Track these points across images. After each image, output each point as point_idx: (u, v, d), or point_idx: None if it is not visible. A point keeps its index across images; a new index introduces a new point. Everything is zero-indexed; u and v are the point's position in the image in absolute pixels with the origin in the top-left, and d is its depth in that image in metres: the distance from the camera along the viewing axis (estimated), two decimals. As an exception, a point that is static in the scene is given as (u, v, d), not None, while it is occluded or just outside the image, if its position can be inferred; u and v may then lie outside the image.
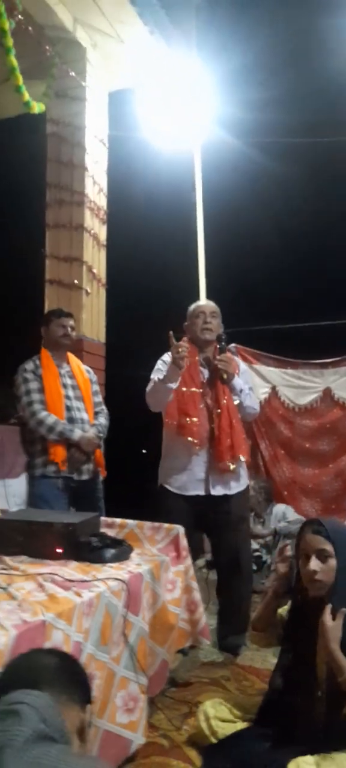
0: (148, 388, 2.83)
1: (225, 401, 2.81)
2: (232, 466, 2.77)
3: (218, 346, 2.86)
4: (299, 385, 4.69)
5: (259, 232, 9.29)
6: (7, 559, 1.99)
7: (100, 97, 4.39)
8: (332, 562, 1.75)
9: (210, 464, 2.78)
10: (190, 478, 2.78)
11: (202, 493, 2.77)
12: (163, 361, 2.89)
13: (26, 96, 3.49)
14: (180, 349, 2.65)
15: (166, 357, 2.87)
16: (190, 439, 2.73)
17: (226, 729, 1.84)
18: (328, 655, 1.67)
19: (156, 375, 2.84)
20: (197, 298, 4.79)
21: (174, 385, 2.75)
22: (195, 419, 2.76)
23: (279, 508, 4.22)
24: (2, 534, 2.11)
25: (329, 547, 1.75)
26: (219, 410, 2.79)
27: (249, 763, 1.74)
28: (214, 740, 1.83)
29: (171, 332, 2.72)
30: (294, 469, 4.54)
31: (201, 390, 2.82)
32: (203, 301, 3.05)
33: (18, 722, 0.83)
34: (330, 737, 1.66)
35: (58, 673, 0.98)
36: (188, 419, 2.75)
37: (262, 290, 9.50)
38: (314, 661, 1.75)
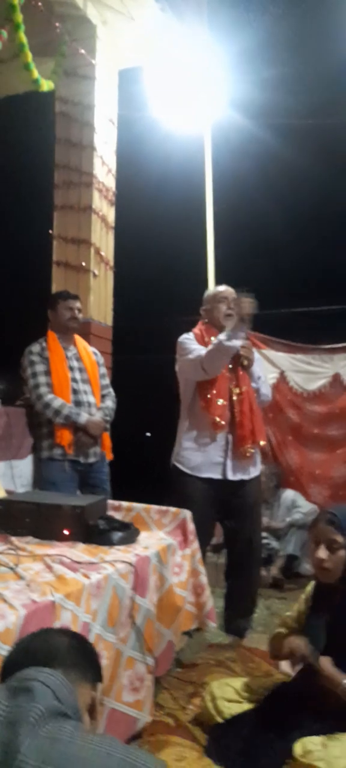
0: (202, 352, 2.75)
1: (245, 387, 2.82)
2: (251, 451, 2.78)
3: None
4: (308, 371, 4.65)
5: (268, 215, 9.20)
6: (14, 539, 2.00)
7: (110, 76, 4.32)
8: (342, 553, 1.76)
9: (228, 449, 2.77)
10: (205, 461, 2.76)
11: (218, 476, 2.76)
12: (189, 338, 2.87)
13: (35, 73, 3.45)
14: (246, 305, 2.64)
15: (189, 335, 2.88)
16: (217, 419, 2.71)
17: (232, 709, 1.85)
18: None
19: (196, 346, 2.80)
20: (205, 281, 4.78)
21: (240, 344, 2.72)
22: (224, 402, 2.75)
23: (288, 495, 4.21)
24: (10, 515, 2.13)
25: (339, 539, 1.77)
26: (241, 395, 2.79)
27: (255, 743, 1.76)
28: (220, 720, 1.85)
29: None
30: (302, 454, 4.52)
31: (226, 373, 2.81)
32: (222, 286, 3.01)
33: (31, 698, 0.84)
34: (337, 721, 1.67)
35: (70, 652, 0.99)
36: (218, 400, 2.74)
37: (271, 274, 9.42)
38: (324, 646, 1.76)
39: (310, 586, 1.98)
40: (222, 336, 2.70)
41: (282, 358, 4.67)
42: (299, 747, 1.61)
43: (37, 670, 0.90)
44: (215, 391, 2.74)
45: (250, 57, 5.11)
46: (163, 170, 7.15)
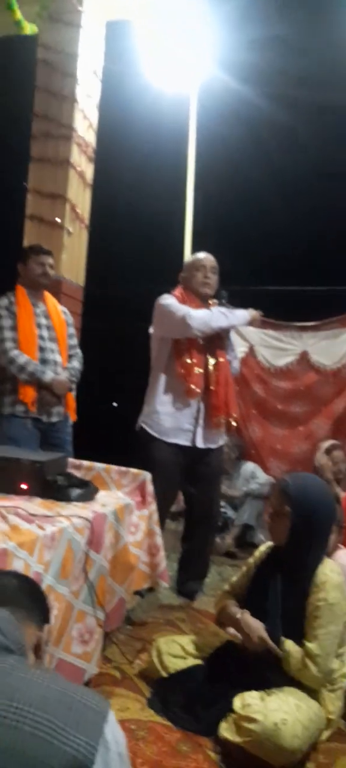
0: (188, 310, 2.75)
1: (222, 358, 2.84)
2: (223, 422, 2.82)
3: (218, 303, 2.87)
4: (277, 347, 4.72)
5: (251, 185, 9.10)
6: (-30, 490, 2.01)
7: (97, 26, 4.19)
8: (286, 521, 1.84)
9: (199, 417, 2.80)
10: (175, 426, 2.79)
11: (187, 443, 2.79)
12: (172, 297, 2.86)
13: (18, 14, 3.34)
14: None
15: (170, 296, 2.87)
16: (192, 386, 2.73)
17: (177, 665, 1.93)
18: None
19: (179, 304, 2.82)
20: (182, 249, 4.75)
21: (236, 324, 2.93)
22: (200, 370, 2.77)
23: (248, 467, 4.31)
24: (-33, 466, 2.12)
25: (286, 508, 1.85)
26: (217, 366, 2.81)
27: (197, 698, 1.85)
28: (164, 674, 1.93)
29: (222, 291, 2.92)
30: (265, 429, 4.62)
31: (203, 342, 2.82)
32: (203, 254, 2.97)
33: None
34: (276, 677, 1.77)
35: (17, 592, 1.02)
36: (196, 369, 2.75)
37: (249, 248, 9.41)
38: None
39: (263, 547, 2.07)
40: (231, 312, 2.82)
41: (253, 332, 4.72)
42: (238, 701, 1.70)
43: None
44: (194, 360, 2.75)
45: (241, 15, 4.98)
46: (147, 129, 6.99)
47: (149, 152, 8.00)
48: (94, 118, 4.22)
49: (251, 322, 3.02)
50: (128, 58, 4.58)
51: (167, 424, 2.79)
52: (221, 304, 2.84)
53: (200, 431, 2.80)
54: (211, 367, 2.81)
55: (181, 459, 2.79)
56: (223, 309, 2.81)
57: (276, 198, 9.21)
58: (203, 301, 2.87)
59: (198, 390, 2.74)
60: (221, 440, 2.94)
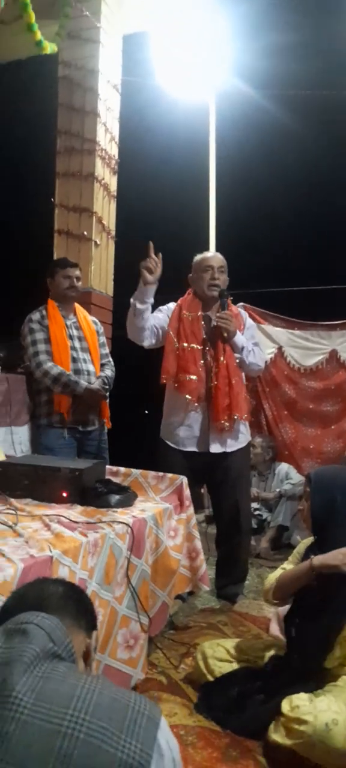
0: (130, 324, 2.80)
1: (224, 360, 2.77)
2: (227, 425, 2.76)
3: (220, 303, 2.80)
4: (306, 346, 4.68)
5: (271, 189, 9.07)
6: (13, 500, 2.05)
7: (115, 40, 4.26)
8: (306, 505, 1.90)
9: (208, 422, 2.77)
10: (187, 435, 2.79)
11: (200, 449, 2.78)
12: (167, 307, 2.88)
13: (38, 35, 3.41)
14: (150, 263, 2.65)
15: (170, 305, 2.88)
16: (187, 396, 2.72)
17: (223, 668, 1.92)
18: None
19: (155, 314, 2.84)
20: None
21: (141, 306, 2.70)
22: (194, 377, 2.73)
23: (282, 468, 4.26)
24: (9, 477, 2.17)
25: (307, 489, 1.93)
26: (217, 369, 2.75)
27: (244, 701, 1.83)
28: (210, 678, 1.92)
29: (151, 243, 2.71)
30: (297, 429, 4.57)
31: (201, 347, 2.78)
32: (210, 253, 2.94)
33: (26, 640, 0.87)
34: (323, 679, 1.74)
35: (65, 599, 1.02)
36: (186, 376, 2.73)
37: (272, 249, 9.35)
38: (317, 613, 1.81)
39: (302, 545, 2.04)
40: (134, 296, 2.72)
41: (280, 333, 4.69)
42: (286, 703, 1.67)
43: (32, 614, 0.92)
44: (189, 368, 2.74)
45: (256, 22, 4.99)
46: (167, 138, 7.04)
47: (168, 159, 8.06)
48: (115, 130, 4.28)
49: (143, 276, 2.71)
50: (145, 69, 4.62)
51: (181, 434, 2.80)
52: (222, 305, 2.78)
53: (211, 437, 2.77)
54: (212, 371, 2.76)
55: (196, 465, 2.78)
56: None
57: (298, 199, 9.15)
58: (209, 304, 2.84)
59: (193, 399, 2.72)
60: (237, 444, 2.86)
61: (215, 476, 2.84)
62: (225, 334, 2.75)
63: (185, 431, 2.79)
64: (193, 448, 2.79)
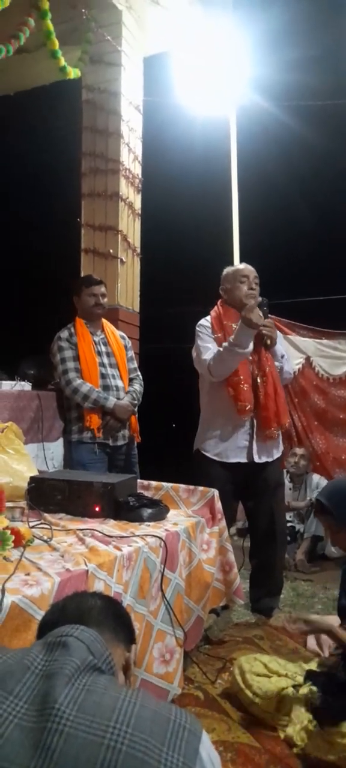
0: (209, 357, 2.72)
1: (268, 368, 2.77)
2: (276, 434, 2.77)
3: (260, 310, 2.74)
4: (334, 356, 4.62)
5: (293, 200, 9.08)
6: (47, 515, 2.07)
7: (136, 62, 4.34)
8: (342, 533, 1.83)
9: (253, 432, 2.75)
10: (231, 446, 2.75)
11: (244, 460, 2.74)
12: (205, 327, 2.84)
13: (62, 61, 3.50)
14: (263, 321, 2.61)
15: (205, 322, 2.85)
16: (244, 405, 2.67)
17: (261, 683, 1.88)
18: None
19: (208, 343, 2.77)
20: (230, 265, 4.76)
21: (247, 351, 2.66)
22: (248, 386, 2.71)
23: (314, 479, 4.20)
24: (42, 492, 2.19)
25: (331, 521, 1.85)
26: (264, 377, 2.75)
27: None
28: (249, 693, 1.88)
29: (263, 298, 2.71)
30: (328, 439, 4.49)
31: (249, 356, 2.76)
32: (242, 264, 2.92)
33: (67, 653, 0.86)
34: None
35: (104, 613, 1.02)
36: (243, 385, 2.69)
37: (296, 260, 9.32)
38: None
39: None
40: (232, 340, 2.63)
41: (308, 343, 4.64)
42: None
43: (72, 627, 0.92)
44: (241, 377, 2.70)
45: (275, 38, 5.03)
46: (188, 155, 7.13)
47: (189, 175, 8.13)
48: (138, 150, 4.35)
49: (252, 320, 2.59)
50: (166, 88, 4.69)
51: (224, 445, 2.76)
52: (264, 313, 2.74)
53: (255, 446, 2.75)
54: (258, 380, 2.75)
55: (239, 477, 2.75)
56: (230, 340, 2.67)
57: (320, 209, 9.11)
58: None
59: (249, 406, 2.69)
60: (278, 452, 2.87)
61: (254, 486, 2.80)
62: (268, 342, 2.75)
63: (229, 443, 2.75)
64: (236, 459, 2.74)
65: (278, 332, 3.22)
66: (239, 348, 2.62)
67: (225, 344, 2.67)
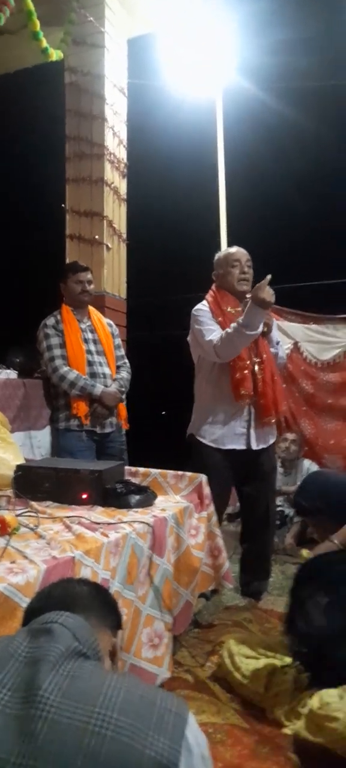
0: (215, 338, 2.64)
1: (266, 355, 2.74)
2: (273, 420, 2.76)
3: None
4: (322, 340, 4.62)
5: (281, 184, 9.04)
6: (34, 503, 2.05)
7: (120, 44, 4.28)
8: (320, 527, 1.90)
9: (251, 419, 2.73)
10: (228, 433, 2.71)
11: (242, 447, 2.72)
12: (203, 311, 2.76)
13: (44, 42, 3.43)
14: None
15: (202, 306, 2.78)
16: (243, 391, 2.64)
17: (249, 665, 1.89)
18: None
19: (211, 325, 2.69)
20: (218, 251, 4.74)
21: (259, 332, 2.60)
22: (247, 372, 2.67)
23: (304, 464, 4.22)
24: (29, 480, 2.17)
25: (311, 521, 1.96)
26: (262, 364, 2.71)
27: None
28: (238, 675, 1.89)
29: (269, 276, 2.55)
30: (317, 424, 4.51)
31: None
32: (233, 248, 2.85)
33: (52, 639, 0.86)
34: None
35: (90, 599, 1.02)
36: (245, 371, 2.66)
37: (284, 245, 9.30)
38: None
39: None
40: (242, 321, 2.55)
41: (296, 328, 4.64)
42: (316, 700, 1.64)
43: (57, 613, 0.92)
44: (240, 363, 2.67)
45: (262, 19, 4.98)
46: (174, 139, 7.07)
47: (176, 159, 8.06)
48: (123, 134, 4.30)
49: (264, 299, 2.50)
50: (151, 71, 4.63)
51: (221, 432, 2.72)
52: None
53: (253, 433, 2.73)
54: (256, 367, 2.71)
55: (236, 463, 2.74)
56: (239, 321, 2.59)
57: (308, 192, 9.09)
58: (239, 298, 2.77)
59: (249, 393, 2.66)
60: (273, 438, 2.87)
61: (250, 472, 2.78)
62: (266, 329, 2.71)
63: (226, 429, 2.72)
64: (233, 446, 2.71)
65: (273, 318, 3.20)
66: (249, 330, 2.54)
67: (234, 325, 2.58)
